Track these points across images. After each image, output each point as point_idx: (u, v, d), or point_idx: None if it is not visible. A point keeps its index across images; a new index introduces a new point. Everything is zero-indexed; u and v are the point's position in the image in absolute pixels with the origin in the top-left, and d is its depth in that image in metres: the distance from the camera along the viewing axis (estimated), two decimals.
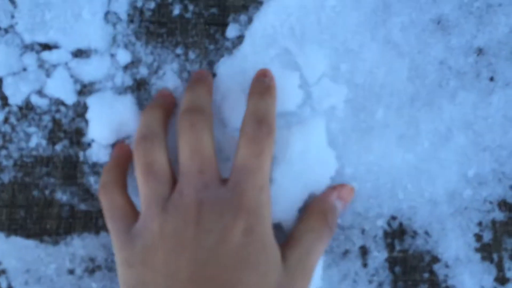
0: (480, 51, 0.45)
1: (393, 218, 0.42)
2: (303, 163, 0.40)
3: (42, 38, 0.41)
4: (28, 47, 0.40)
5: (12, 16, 0.40)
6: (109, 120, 0.40)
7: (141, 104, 0.41)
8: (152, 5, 0.42)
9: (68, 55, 0.41)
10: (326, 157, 0.41)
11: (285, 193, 0.39)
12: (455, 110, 0.44)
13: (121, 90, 0.41)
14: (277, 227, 0.38)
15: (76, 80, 0.41)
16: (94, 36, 0.41)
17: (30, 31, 0.41)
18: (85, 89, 0.41)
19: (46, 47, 0.41)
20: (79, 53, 0.41)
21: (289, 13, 0.44)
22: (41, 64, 0.40)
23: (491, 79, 0.44)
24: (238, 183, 0.33)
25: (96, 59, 0.41)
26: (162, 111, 0.37)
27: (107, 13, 0.41)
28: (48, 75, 0.40)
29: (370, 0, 0.44)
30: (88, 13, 0.41)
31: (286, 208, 0.39)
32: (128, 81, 0.41)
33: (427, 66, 0.44)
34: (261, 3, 0.44)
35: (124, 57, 0.41)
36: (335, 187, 0.40)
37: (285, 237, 0.37)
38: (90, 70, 0.41)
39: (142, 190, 0.34)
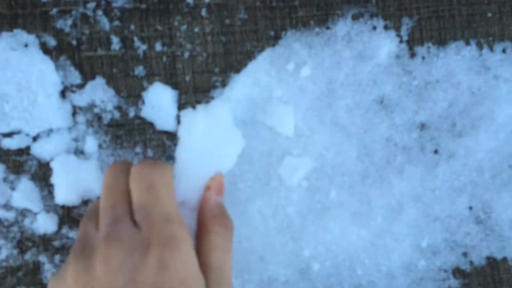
0: (422, 126, 0.48)
1: None
2: (208, 142, 0.40)
3: (4, 129, 0.43)
4: None
5: None
6: (74, 184, 0.42)
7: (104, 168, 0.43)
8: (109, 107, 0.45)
9: (28, 139, 0.43)
10: (233, 136, 0.42)
11: (188, 172, 0.39)
12: (404, 185, 0.47)
13: (87, 155, 0.43)
14: (182, 205, 0.38)
15: (40, 180, 0.43)
16: (53, 117, 0.44)
17: None
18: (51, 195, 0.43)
19: (7, 135, 0.43)
20: (41, 135, 0.43)
21: (239, 106, 0.46)
22: (5, 177, 0.43)
23: (436, 151, 0.47)
24: (142, 221, 0.33)
25: (57, 136, 0.43)
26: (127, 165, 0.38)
27: (62, 91, 0.44)
28: (13, 188, 0.42)
29: (315, 88, 0.47)
30: (43, 97, 0.44)
31: (190, 187, 0.39)
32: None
33: (374, 144, 0.47)
34: (212, 98, 0.46)
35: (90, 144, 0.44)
36: (207, 186, 0.39)
37: (191, 213, 0.38)
38: (51, 148, 0.43)
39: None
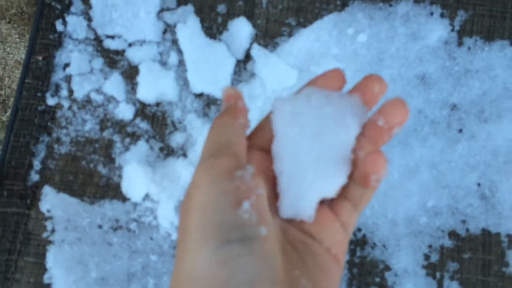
0: (454, 107, 0.54)
1: (359, 229, 0.52)
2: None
3: (109, 32, 0.53)
4: (94, 55, 0.53)
5: (88, 22, 0.53)
6: (153, 86, 0.52)
7: (178, 80, 0.52)
8: None
9: (125, 44, 0.53)
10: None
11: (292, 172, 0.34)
12: (425, 152, 0.53)
13: (168, 67, 0.53)
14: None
15: (127, 77, 0.53)
16: (148, 31, 0.53)
17: (101, 26, 0.53)
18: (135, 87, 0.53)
19: (110, 37, 0.54)
20: (135, 43, 0.53)
21: (299, 55, 0.54)
22: (102, 69, 0.53)
23: (460, 131, 0.54)
24: None
25: (148, 47, 0.53)
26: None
27: (159, 11, 0.54)
28: (106, 78, 0.53)
29: (367, 54, 0.54)
30: (144, 13, 0.53)
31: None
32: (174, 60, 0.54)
33: None
34: (277, 44, 0.55)
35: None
36: None
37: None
38: (141, 54, 0.53)
39: None
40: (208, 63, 0.53)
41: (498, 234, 0.52)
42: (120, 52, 0.53)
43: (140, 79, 0.52)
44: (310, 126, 0.32)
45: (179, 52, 0.53)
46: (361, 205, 0.32)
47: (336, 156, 0.31)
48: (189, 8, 0.54)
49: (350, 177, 0.31)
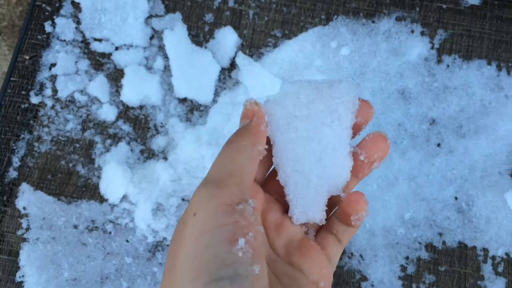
0: (433, 121, 0.55)
1: None
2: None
3: (97, 35, 0.54)
4: (81, 57, 0.54)
5: (77, 25, 0.54)
6: (137, 89, 0.52)
7: (165, 83, 0.53)
8: None
9: (112, 47, 0.54)
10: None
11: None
12: (403, 164, 0.54)
13: (153, 71, 0.54)
14: None
15: (112, 80, 0.53)
16: (136, 36, 0.54)
17: (90, 29, 0.54)
18: (119, 90, 0.53)
19: (98, 40, 0.54)
20: (122, 47, 0.54)
21: (283, 65, 0.55)
22: (87, 70, 0.53)
23: (438, 145, 0.54)
24: None
25: (134, 51, 0.54)
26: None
27: (147, 18, 0.55)
28: (91, 79, 0.53)
29: (350, 67, 0.56)
30: (133, 18, 0.54)
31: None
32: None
33: (387, 126, 0.55)
34: (262, 54, 0.56)
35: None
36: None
37: None
38: (127, 58, 0.54)
39: None
40: (193, 69, 0.54)
41: (474, 247, 0.52)
42: (107, 55, 0.54)
43: (125, 81, 0.53)
44: (305, 128, 0.31)
45: (165, 57, 0.54)
46: (345, 240, 0.32)
47: (335, 153, 0.31)
48: (177, 15, 0.55)
49: (334, 213, 0.32)
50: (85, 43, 0.54)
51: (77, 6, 0.55)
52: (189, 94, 0.53)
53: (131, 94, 0.53)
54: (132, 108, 0.53)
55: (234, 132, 0.30)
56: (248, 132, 0.29)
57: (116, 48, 0.54)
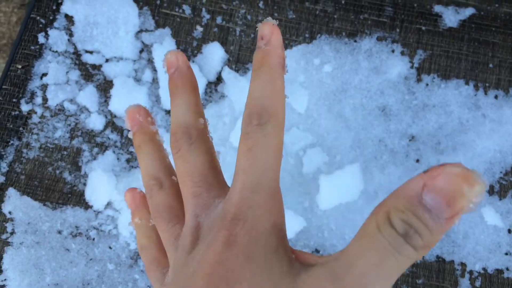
0: (412, 138, 0.57)
1: (317, 250, 0.52)
2: None
3: (89, 47, 0.56)
4: (72, 67, 0.55)
5: (69, 37, 0.56)
6: (125, 99, 0.53)
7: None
8: None
9: (103, 59, 0.56)
10: None
11: None
12: (383, 179, 0.55)
13: (141, 83, 0.55)
14: None
15: (102, 90, 0.55)
16: (126, 49, 0.56)
17: (82, 41, 0.56)
18: (108, 99, 0.55)
19: (89, 52, 0.56)
20: (112, 59, 0.56)
21: None
22: (78, 81, 0.55)
23: (417, 161, 0.56)
24: (230, 190, 0.29)
25: (124, 63, 0.55)
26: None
27: (137, 32, 0.57)
28: (80, 89, 0.55)
29: (332, 84, 0.58)
30: (123, 32, 0.56)
31: None
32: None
33: (368, 141, 0.56)
34: (248, 69, 0.58)
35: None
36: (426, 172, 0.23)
37: None
38: (117, 70, 0.55)
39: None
40: None
41: (451, 262, 0.53)
42: (97, 67, 0.56)
43: (113, 92, 0.54)
44: None
45: (154, 70, 0.56)
46: None
47: None
48: (167, 30, 0.57)
49: None
50: (77, 54, 0.56)
51: (70, 20, 0.57)
52: None
53: (119, 104, 0.54)
54: (120, 117, 0.55)
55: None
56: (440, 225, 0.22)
57: (107, 60, 0.56)
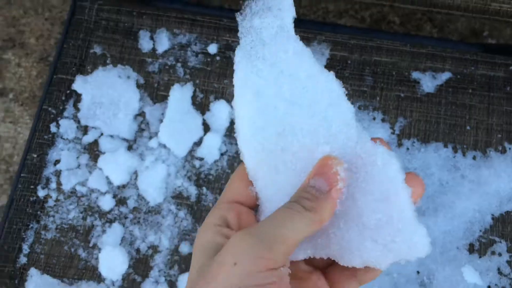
0: None
1: None
2: None
3: (90, 123, 0.62)
4: (81, 152, 0.62)
5: (78, 123, 0.62)
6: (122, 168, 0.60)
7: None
8: None
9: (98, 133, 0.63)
10: None
11: None
12: None
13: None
14: None
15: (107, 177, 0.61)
16: (123, 129, 0.62)
17: (85, 118, 0.62)
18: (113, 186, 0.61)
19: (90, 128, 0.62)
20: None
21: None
22: (87, 164, 0.61)
23: None
24: None
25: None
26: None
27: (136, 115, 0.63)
28: (90, 172, 0.61)
29: None
30: (123, 114, 0.62)
31: None
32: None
33: None
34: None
35: None
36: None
37: None
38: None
39: None
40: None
41: None
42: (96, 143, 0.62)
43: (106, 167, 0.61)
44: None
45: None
46: (364, 280, 0.36)
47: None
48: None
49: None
50: (83, 131, 0.62)
51: (77, 107, 0.63)
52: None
53: (120, 175, 0.60)
54: (123, 187, 0.60)
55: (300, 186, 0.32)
56: (324, 198, 0.31)
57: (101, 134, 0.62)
